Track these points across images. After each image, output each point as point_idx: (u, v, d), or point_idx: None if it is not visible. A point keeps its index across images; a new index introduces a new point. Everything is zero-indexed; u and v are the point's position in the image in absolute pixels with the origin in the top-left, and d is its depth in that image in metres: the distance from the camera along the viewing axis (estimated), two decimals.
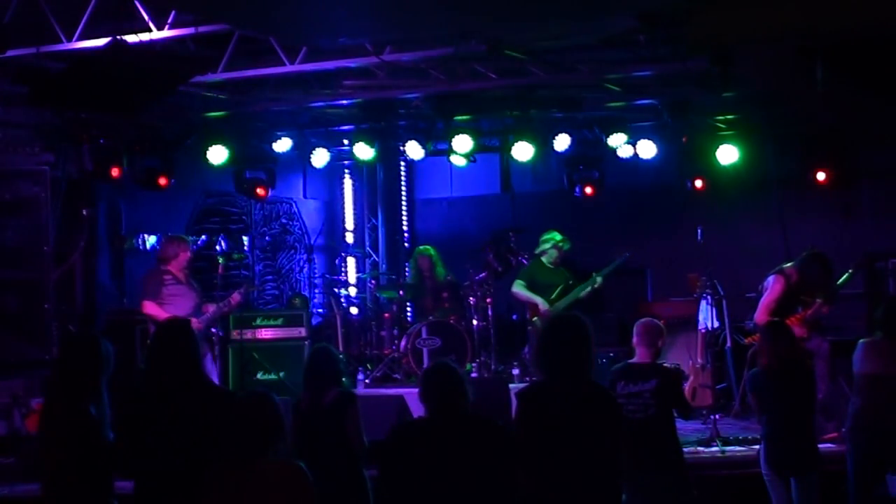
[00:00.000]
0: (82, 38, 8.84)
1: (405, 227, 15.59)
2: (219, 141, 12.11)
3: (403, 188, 15.66)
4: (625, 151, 12.46)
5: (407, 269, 14.37)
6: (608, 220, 13.62)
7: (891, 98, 8.36)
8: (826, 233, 12.34)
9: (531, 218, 13.02)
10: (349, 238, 15.57)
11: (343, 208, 15.60)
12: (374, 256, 15.51)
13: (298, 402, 6.75)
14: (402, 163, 15.40)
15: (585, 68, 10.44)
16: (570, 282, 11.52)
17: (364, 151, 12.58)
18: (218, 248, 13.17)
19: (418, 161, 13.57)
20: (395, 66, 10.23)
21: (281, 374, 11.25)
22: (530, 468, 5.35)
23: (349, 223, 15.59)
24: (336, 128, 13.33)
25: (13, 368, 9.76)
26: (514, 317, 13.03)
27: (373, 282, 13.89)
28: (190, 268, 10.26)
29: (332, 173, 15.26)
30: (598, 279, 11.35)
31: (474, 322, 11.60)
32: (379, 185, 15.59)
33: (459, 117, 12.14)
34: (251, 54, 9.96)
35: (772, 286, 9.61)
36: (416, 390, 5.61)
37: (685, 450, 7.19)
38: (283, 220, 14.69)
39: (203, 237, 13.00)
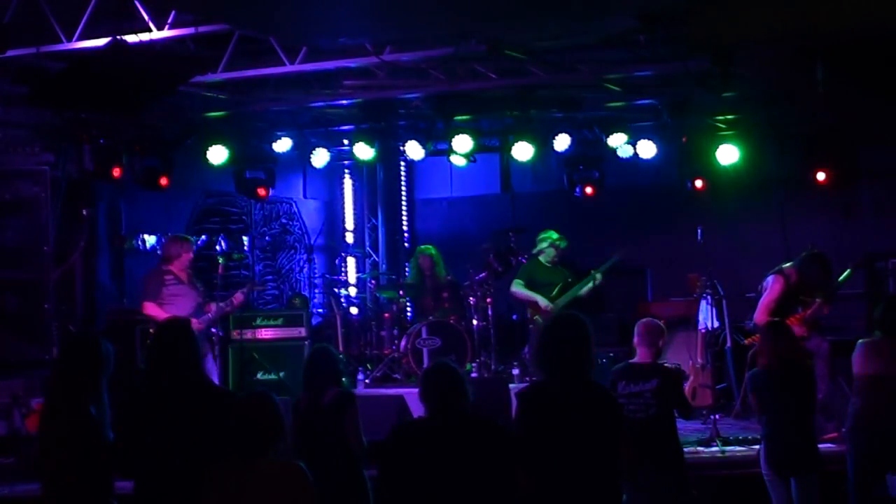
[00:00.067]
0: (82, 38, 8.84)
1: (405, 227, 15.59)
2: (219, 141, 12.11)
3: (403, 188, 15.66)
4: (625, 151, 12.46)
5: (407, 268, 14.37)
6: (608, 220, 13.62)
7: (891, 98, 8.35)
8: (826, 233, 12.34)
9: (531, 218, 13.02)
10: (349, 238, 15.57)
11: (343, 208, 15.60)
12: (374, 256, 15.51)
13: (298, 402, 6.75)
14: (402, 163, 15.40)
15: (585, 68, 10.44)
16: (569, 280, 11.54)
17: (364, 151, 12.58)
18: (218, 248, 13.18)
19: (418, 161, 13.57)
20: (395, 66, 10.23)
21: (281, 374, 11.25)
22: (530, 468, 5.35)
23: (349, 223, 15.59)
24: (336, 128, 13.33)
25: (13, 368, 9.76)
26: (514, 317, 13.03)
27: (373, 282, 13.89)
28: (193, 268, 10.26)
29: (332, 173, 15.26)
30: (598, 276, 11.36)
31: (474, 322, 11.60)
32: (379, 185, 15.59)
33: (459, 117, 12.14)
34: (251, 54, 9.96)
35: (771, 286, 9.61)
36: (416, 390, 5.61)
37: (685, 450, 7.19)
38: (283, 220, 14.69)
39: (203, 237, 13.00)
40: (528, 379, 10.85)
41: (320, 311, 14.45)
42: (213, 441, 5.18)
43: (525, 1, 7.80)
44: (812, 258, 9.64)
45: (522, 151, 12.21)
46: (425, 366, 10.20)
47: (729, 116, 12.24)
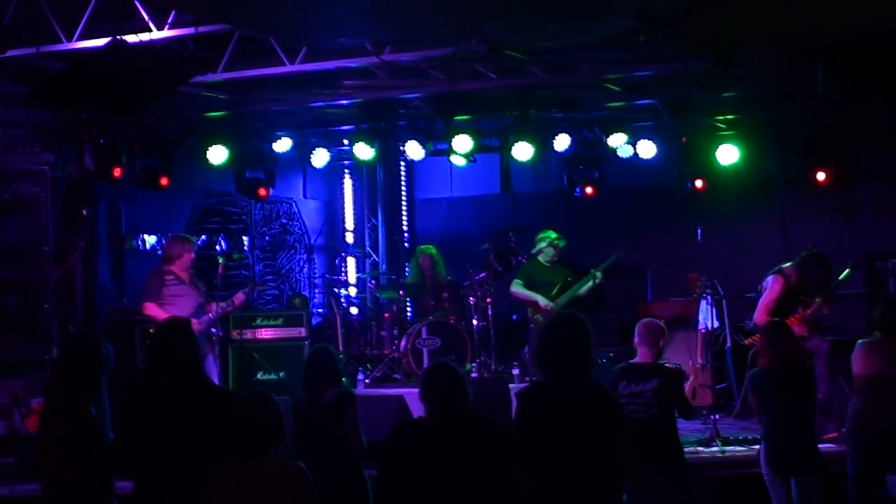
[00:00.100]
0: (82, 38, 8.85)
1: (405, 227, 15.59)
2: (219, 141, 12.11)
3: (403, 188, 15.67)
4: (625, 151, 12.46)
5: (407, 268, 14.38)
6: (608, 220, 13.62)
7: (891, 98, 8.35)
8: (826, 233, 12.34)
9: (531, 218, 13.01)
10: (349, 238, 15.57)
11: (343, 208, 15.60)
12: (374, 256, 15.51)
13: (298, 402, 6.75)
14: (402, 163, 15.40)
15: (585, 68, 10.44)
16: (569, 279, 11.55)
17: (364, 151, 12.58)
18: (218, 248, 13.18)
19: (418, 161, 13.57)
20: (395, 66, 10.23)
21: (281, 374, 11.25)
22: (530, 468, 5.35)
23: (349, 223, 15.60)
24: (336, 128, 13.34)
25: (13, 368, 9.76)
26: (514, 317, 13.03)
27: (373, 282, 13.88)
28: (194, 268, 10.25)
29: (332, 173, 15.26)
30: (598, 274, 11.36)
31: (474, 322, 11.60)
32: (379, 185, 15.59)
33: (459, 117, 12.14)
34: (251, 54, 9.96)
35: (771, 286, 9.61)
36: (416, 390, 5.61)
37: (685, 450, 7.19)
38: (283, 220, 14.69)
39: (203, 237, 12.99)
40: (528, 379, 10.85)
41: (320, 311, 14.45)
42: (213, 441, 5.18)
43: (525, 1, 7.80)
44: (812, 258, 9.65)
45: (522, 151, 12.21)
46: (425, 366, 10.20)
47: (729, 116, 12.24)
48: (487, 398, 8.81)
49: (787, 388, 7.03)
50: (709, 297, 10.98)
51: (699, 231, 10.81)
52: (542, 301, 11.34)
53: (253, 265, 14.01)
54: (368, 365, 12.27)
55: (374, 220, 15.61)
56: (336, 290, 13.46)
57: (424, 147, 12.62)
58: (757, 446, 7.67)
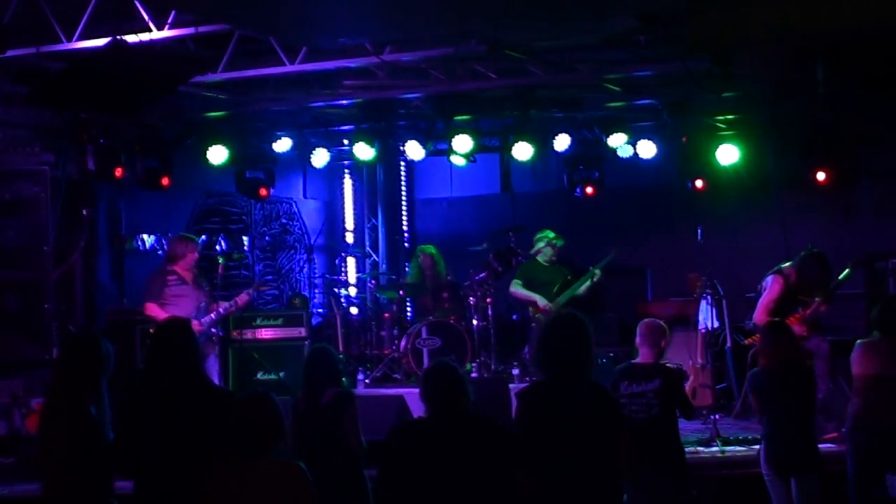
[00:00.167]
0: (82, 38, 8.84)
1: (405, 227, 15.60)
2: (219, 141, 12.11)
3: (403, 188, 15.67)
4: (625, 151, 12.47)
5: (407, 268, 14.38)
6: (608, 220, 13.62)
7: (891, 98, 8.36)
8: (826, 233, 12.34)
9: (531, 218, 13.00)
10: (349, 238, 15.57)
11: (343, 208, 15.60)
12: (374, 256, 15.51)
13: (297, 402, 6.75)
14: (402, 163, 15.40)
15: (585, 68, 10.44)
16: (569, 277, 11.55)
17: (364, 151, 12.58)
18: (218, 248, 13.18)
19: (418, 161, 13.58)
20: (395, 66, 10.23)
21: (281, 374, 11.24)
22: (530, 468, 5.35)
23: (349, 223, 15.60)
24: (336, 128, 13.33)
25: (13, 368, 9.76)
26: (514, 317, 13.02)
27: (373, 282, 13.88)
28: (198, 268, 10.23)
29: (332, 173, 15.26)
30: (597, 272, 11.37)
31: (474, 322, 11.59)
32: (379, 185, 15.59)
33: (459, 117, 12.14)
34: (251, 54, 9.96)
35: (770, 286, 9.62)
36: (416, 390, 5.61)
37: (685, 450, 7.18)
38: (283, 220, 14.69)
39: (203, 237, 12.98)
40: (528, 379, 10.85)
41: (320, 311, 14.45)
42: (213, 441, 5.18)
43: (525, 1, 7.80)
44: (811, 258, 9.65)
45: (522, 151, 12.21)
46: (425, 366, 10.19)
47: (729, 116, 12.24)
48: (487, 398, 8.81)
49: (787, 388, 7.03)
50: (709, 297, 10.98)
51: (699, 231, 10.80)
52: (541, 301, 11.34)
53: (253, 265, 14.01)
54: (368, 365, 12.27)
55: (374, 220, 15.61)
56: (336, 290, 13.46)
57: (424, 147, 12.62)
58: (757, 446, 7.67)
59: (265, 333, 11.64)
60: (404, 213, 15.62)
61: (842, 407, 8.21)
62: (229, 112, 11.71)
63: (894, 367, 7.14)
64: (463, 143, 12.10)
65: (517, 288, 11.52)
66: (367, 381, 11.74)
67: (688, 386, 9.65)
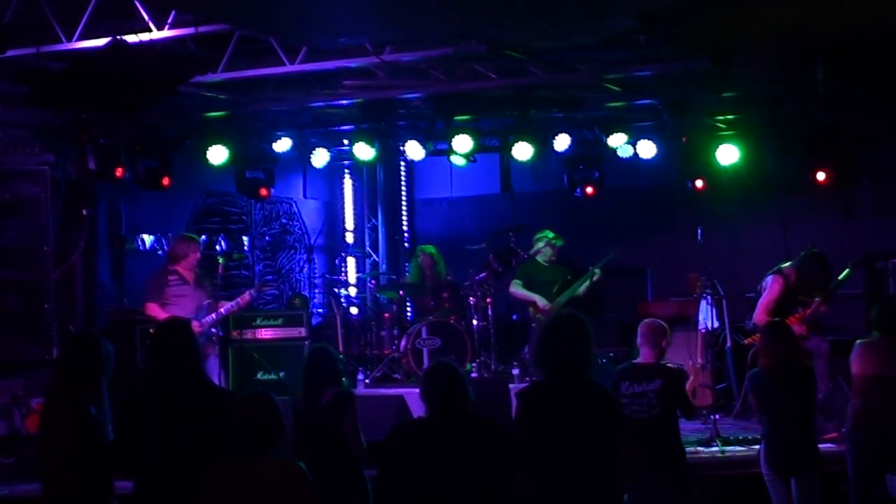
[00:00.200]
0: (82, 38, 8.84)
1: (405, 227, 15.60)
2: (219, 141, 12.11)
3: (403, 188, 15.67)
4: (625, 151, 12.47)
5: (407, 268, 14.38)
6: (608, 220, 13.63)
7: (891, 98, 8.36)
8: (826, 233, 12.34)
9: (531, 218, 13.01)
10: (349, 238, 15.57)
11: (343, 208, 15.60)
12: (374, 256, 15.51)
13: (297, 402, 6.75)
14: (402, 163, 15.40)
15: (585, 68, 10.44)
16: (568, 277, 11.56)
17: (364, 151, 12.57)
18: (218, 248, 13.17)
19: (418, 161, 13.58)
20: (395, 66, 10.23)
21: (281, 374, 11.24)
22: (530, 468, 5.36)
23: (349, 223, 15.60)
24: (336, 128, 13.34)
25: (13, 368, 9.76)
26: (514, 317, 13.03)
27: (373, 282, 13.89)
28: (201, 268, 10.22)
29: (332, 173, 15.27)
30: (597, 271, 11.37)
31: (474, 322, 11.59)
32: (379, 185, 15.59)
33: (459, 117, 12.14)
34: (251, 54, 9.96)
35: (770, 286, 9.62)
36: (416, 390, 5.61)
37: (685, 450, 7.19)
38: (283, 220, 14.69)
39: (203, 237, 12.98)
40: (528, 379, 10.85)
41: (320, 311, 14.45)
42: (213, 441, 5.18)
43: (525, 1, 7.80)
44: (811, 258, 9.65)
45: (522, 151, 12.21)
46: (425, 366, 10.19)
47: (729, 116, 12.25)
48: (487, 398, 8.81)
49: (787, 388, 7.03)
50: (709, 297, 10.98)
51: (699, 231, 10.80)
52: (540, 301, 11.35)
53: (253, 265, 14.01)
54: (368, 365, 12.27)
55: (374, 220, 15.62)
56: (336, 290, 13.46)
57: (424, 147, 12.62)
58: (757, 446, 7.67)
59: (265, 333, 11.64)
60: (404, 213, 15.62)
61: (842, 407, 8.21)
62: (229, 112, 11.71)
63: (894, 367, 7.14)
64: (463, 143, 12.10)
65: (517, 288, 11.52)
66: (367, 381, 11.74)
67: (688, 386, 9.64)
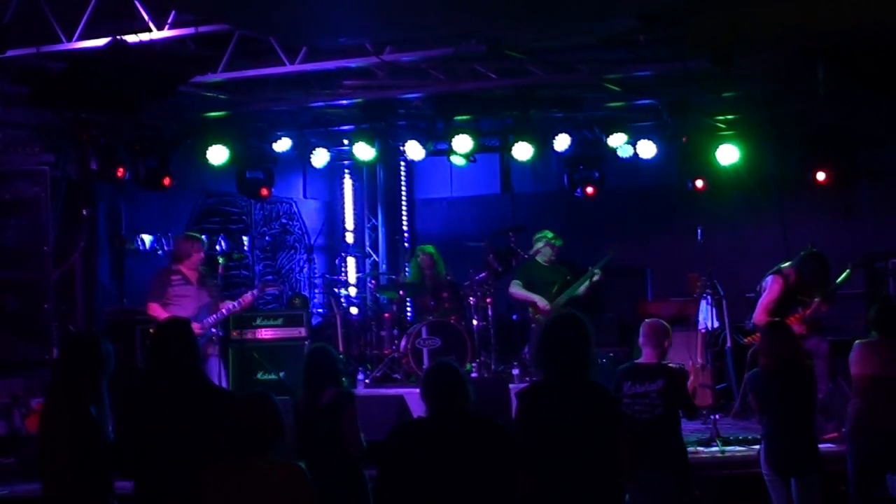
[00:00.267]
0: (82, 38, 8.85)
1: (405, 227, 15.60)
2: (219, 141, 12.11)
3: (403, 188, 15.67)
4: (625, 151, 12.47)
5: (407, 268, 14.38)
6: (608, 220, 13.63)
7: (891, 98, 8.35)
8: (826, 233, 12.35)
9: (531, 218, 13.01)
10: (349, 238, 15.57)
11: (343, 208, 15.60)
12: (374, 256, 15.51)
13: (297, 402, 6.75)
14: (402, 163, 15.41)
15: (585, 68, 10.44)
16: (568, 277, 11.56)
17: (364, 151, 12.58)
18: (218, 248, 13.17)
19: (418, 161, 13.58)
20: (395, 66, 10.23)
21: (281, 374, 11.24)
22: (531, 468, 5.35)
23: (349, 223, 15.60)
24: (336, 128, 13.34)
25: (13, 368, 9.76)
26: (514, 317, 13.03)
27: (373, 282, 13.89)
28: (205, 267, 10.20)
29: (332, 173, 15.27)
30: (597, 271, 11.36)
31: (474, 322, 11.59)
32: (379, 185, 15.59)
33: (459, 117, 12.15)
34: (251, 54, 9.96)
35: (770, 286, 9.62)
36: (416, 390, 5.61)
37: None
38: (283, 220, 14.69)
39: (203, 237, 12.98)
40: (528, 379, 10.85)
41: (320, 311, 14.45)
42: (213, 441, 5.18)
43: (525, 1, 7.80)
44: (810, 258, 9.66)
45: (522, 151, 12.21)
46: (425, 366, 10.19)
47: (729, 116, 12.25)
48: (487, 398, 8.81)
49: (787, 388, 7.03)
50: (709, 297, 10.98)
51: (699, 231, 10.80)
52: (540, 301, 11.34)
53: (253, 265, 14.01)
54: (368, 365, 12.27)
55: (374, 220, 15.62)
56: (336, 290, 13.46)
57: (424, 147, 12.63)
58: (757, 446, 7.67)
59: (265, 333, 11.64)
60: (404, 213, 15.62)
61: (842, 407, 8.21)
62: (229, 112, 11.72)
63: (893, 367, 7.14)
64: (463, 143, 12.10)
65: (517, 288, 11.52)
66: (367, 381, 11.74)
67: (688, 386, 9.65)
